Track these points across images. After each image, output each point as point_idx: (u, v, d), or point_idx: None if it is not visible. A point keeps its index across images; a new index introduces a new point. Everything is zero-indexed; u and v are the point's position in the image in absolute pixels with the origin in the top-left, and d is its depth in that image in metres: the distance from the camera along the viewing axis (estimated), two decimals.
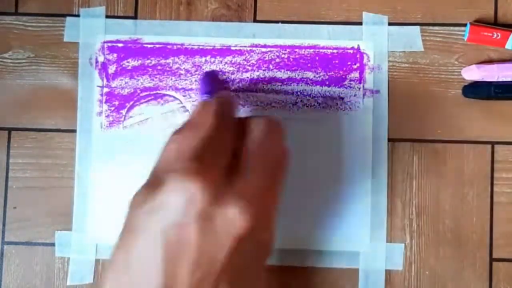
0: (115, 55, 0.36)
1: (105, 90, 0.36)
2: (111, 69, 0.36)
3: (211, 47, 0.36)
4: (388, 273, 0.35)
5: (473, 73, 0.35)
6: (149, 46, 0.36)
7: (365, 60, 0.36)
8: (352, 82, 0.36)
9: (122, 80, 0.36)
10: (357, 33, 0.36)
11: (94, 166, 0.36)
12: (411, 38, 0.36)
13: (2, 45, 0.36)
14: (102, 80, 0.36)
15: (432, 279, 0.35)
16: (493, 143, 0.36)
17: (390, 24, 0.36)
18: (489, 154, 0.36)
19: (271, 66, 0.36)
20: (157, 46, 0.36)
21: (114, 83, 0.36)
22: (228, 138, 0.28)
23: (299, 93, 0.36)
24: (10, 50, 0.36)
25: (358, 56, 0.36)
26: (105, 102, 0.36)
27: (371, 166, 0.35)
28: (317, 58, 0.36)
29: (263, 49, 0.36)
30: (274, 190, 0.28)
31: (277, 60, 0.36)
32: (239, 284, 0.27)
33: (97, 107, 0.36)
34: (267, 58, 0.36)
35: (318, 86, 0.36)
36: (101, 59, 0.36)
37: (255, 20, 0.36)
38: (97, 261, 0.35)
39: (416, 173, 0.36)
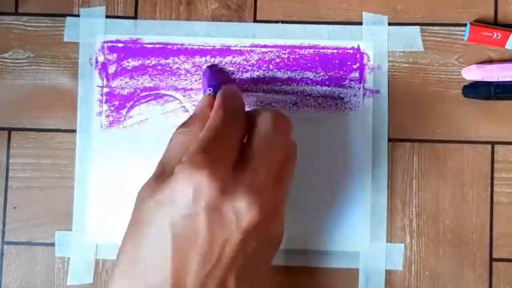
0: (115, 55, 0.36)
1: (105, 90, 0.36)
2: (111, 69, 0.36)
3: (211, 47, 0.36)
4: (388, 273, 0.35)
5: (473, 73, 0.35)
6: (149, 46, 0.36)
7: (365, 60, 0.36)
8: (352, 82, 0.36)
9: (122, 80, 0.36)
10: (357, 33, 0.36)
11: (94, 166, 0.36)
12: (411, 38, 0.36)
13: (2, 45, 0.36)
14: (102, 80, 0.36)
15: (432, 279, 0.35)
16: (493, 143, 0.36)
17: (390, 24, 0.36)
18: (489, 154, 0.36)
19: (271, 66, 0.36)
20: (157, 46, 0.36)
21: (114, 83, 0.36)
22: (235, 131, 0.28)
23: (299, 93, 0.36)
24: (10, 50, 0.36)
25: (358, 56, 0.36)
26: (105, 102, 0.36)
27: (371, 166, 0.35)
28: (317, 58, 0.36)
29: (263, 49, 0.36)
30: (281, 184, 0.28)
31: (277, 60, 0.36)
32: (247, 278, 0.27)
33: (97, 107, 0.36)
34: (267, 58, 0.36)
35: (318, 86, 0.36)
36: (101, 59, 0.36)
37: (255, 20, 0.36)
38: (97, 261, 0.35)
39: (416, 173, 0.36)
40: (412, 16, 0.36)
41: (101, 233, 0.35)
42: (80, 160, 0.36)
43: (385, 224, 0.35)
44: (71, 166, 0.36)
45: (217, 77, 0.35)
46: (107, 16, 0.36)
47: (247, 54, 0.36)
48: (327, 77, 0.36)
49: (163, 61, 0.36)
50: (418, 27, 0.36)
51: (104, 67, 0.36)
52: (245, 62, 0.36)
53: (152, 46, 0.36)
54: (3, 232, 0.36)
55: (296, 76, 0.36)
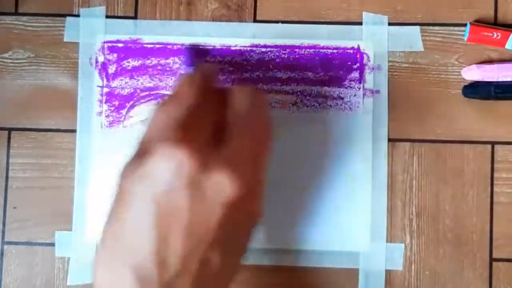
0: (115, 55, 0.36)
1: (105, 90, 0.36)
2: (111, 69, 0.36)
3: (211, 47, 0.36)
4: (388, 273, 0.35)
5: (473, 73, 0.35)
6: (149, 46, 0.36)
7: (365, 60, 0.36)
8: (352, 82, 0.36)
9: (122, 80, 0.36)
10: (357, 33, 0.36)
11: (94, 166, 0.36)
12: (411, 38, 0.36)
13: (2, 45, 0.36)
14: (102, 80, 0.36)
15: (432, 279, 0.35)
16: (493, 143, 0.36)
17: (390, 24, 0.36)
18: (489, 154, 0.36)
19: (271, 66, 0.36)
20: (157, 46, 0.36)
21: (114, 83, 0.36)
22: (211, 107, 0.29)
23: (299, 93, 0.36)
24: (10, 50, 0.36)
25: (358, 56, 0.36)
26: (105, 102, 0.36)
27: (371, 166, 0.35)
28: (317, 58, 0.36)
29: (263, 49, 0.36)
30: (260, 160, 0.28)
31: (277, 60, 0.36)
32: (228, 251, 0.27)
33: (97, 107, 0.36)
34: (267, 58, 0.36)
35: (318, 86, 0.36)
36: (101, 59, 0.36)
37: (255, 20, 0.36)
38: None
39: (416, 173, 0.36)
40: (412, 16, 0.36)
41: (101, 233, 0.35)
42: (80, 160, 0.36)
43: (385, 224, 0.35)
44: (71, 166, 0.36)
45: (195, 57, 0.35)
46: (107, 16, 0.36)
47: (247, 54, 0.36)
48: (327, 77, 0.36)
49: (163, 61, 0.36)
50: (418, 27, 0.36)
51: (104, 67, 0.36)
52: (245, 62, 0.36)
53: (152, 46, 0.36)
54: (3, 232, 0.36)
55: (296, 76, 0.36)
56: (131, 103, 0.36)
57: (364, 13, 0.36)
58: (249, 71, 0.36)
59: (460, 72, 0.36)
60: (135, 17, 0.37)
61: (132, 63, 0.36)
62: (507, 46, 0.35)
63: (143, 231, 0.25)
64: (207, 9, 0.36)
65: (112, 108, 0.36)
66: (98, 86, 0.36)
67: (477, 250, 0.35)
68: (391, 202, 0.35)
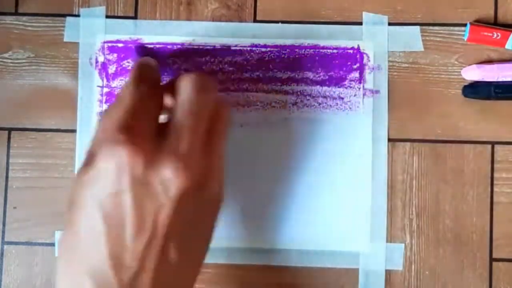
0: (115, 55, 0.36)
1: (105, 90, 0.36)
2: (111, 69, 0.36)
3: (211, 47, 0.36)
4: (388, 273, 0.35)
5: (473, 73, 0.35)
6: (149, 46, 0.36)
7: (365, 60, 0.36)
8: (352, 82, 0.36)
9: (122, 80, 0.36)
10: (357, 33, 0.36)
11: None
12: (411, 38, 0.36)
13: (2, 45, 0.36)
14: (102, 80, 0.36)
15: (432, 279, 0.35)
16: (493, 143, 0.36)
17: (390, 24, 0.36)
18: (489, 154, 0.36)
19: (271, 66, 0.36)
20: (157, 46, 0.36)
21: (114, 83, 0.36)
22: (153, 101, 0.28)
23: (299, 93, 0.36)
24: (10, 50, 0.36)
25: (358, 56, 0.36)
26: (105, 102, 0.36)
27: (371, 166, 0.35)
28: (317, 58, 0.36)
29: (263, 49, 0.36)
30: (212, 146, 0.28)
31: (277, 60, 0.36)
32: (187, 244, 0.27)
33: (97, 107, 0.36)
34: (267, 58, 0.36)
35: (318, 86, 0.36)
36: (101, 59, 0.36)
37: (255, 20, 0.36)
38: None
39: (416, 173, 0.36)
40: (412, 16, 0.36)
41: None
42: (80, 160, 0.36)
43: (385, 224, 0.35)
44: (71, 166, 0.36)
45: (138, 55, 0.35)
46: (107, 16, 0.36)
47: (247, 54, 0.36)
48: (327, 77, 0.36)
49: (163, 61, 0.36)
50: (418, 27, 0.36)
51: (104, 67, 0.36)
52: (245, 62, 0.36)
53: (152, 46, 0.36)
54: (3, 232, 0.36)
55: (296, 76, 0.36)
56: None
57: (364, 13, 0.36)
58: (249, 71, 0.36)
59: (460, 72, 0.36)
60: (135, 17, 0.37)
61: (132, 63, 0.36)
62: (507, 46, 0.35)
63: (95, 236, 0.25)
64: (207, 9, 0.36)
65: None
66: (98, 86, 0.36)
67: (477, 250, 0.35)
68: (391, 202, 0.35)
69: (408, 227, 0.35)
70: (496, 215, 0.35)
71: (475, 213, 0.35)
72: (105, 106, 0.36)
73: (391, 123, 0.36)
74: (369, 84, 0.36)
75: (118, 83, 0.36)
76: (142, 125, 0.27)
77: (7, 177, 0.36)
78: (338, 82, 0.36)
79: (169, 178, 0.25)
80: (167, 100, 0.30)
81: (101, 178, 0.26)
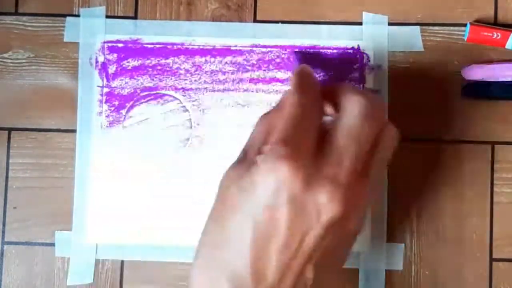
0: (115, 55, 0.36)
1: (105, 90, 0.36)
2: (111, 69, 0.36)
3: (211, 47, 0.36)
4: (388, 273, 0.35)
5: (473, 73, 0.35)
6: (149, 46, 0.36)
7: (365, 60, 0.36)
8: (352, 82, 0.36)
9: (122, 80, 0.36)
10: (357, 33, 0.36)
11: (94, 166, 0.36)
12: (411, 38, 0.36)
13: (2, 45, 0.36)
14: (102, 80, 0.36)
15: (432, 279, 0.35)
16: (493, 143, 0.36)
17: (390, 24, 0.36)
18: (489, 154, 0.36)
19: (271, 66, 0.36)
20: (157, 46, 0.36)
21: (114, 83, 0.36)
22: (313, 116, 0.28)
23: None
24: (10, 50, 0.36)
25: (358, 56, 0.36)
26: (105, 102, 0.36)
27: None
28: (317, 58, 0.36)
29: (263, 49, 0.36)
30: (365, 178, 0.27)
31: (277, 60, 0.36)
32: (323, 267, 0.27)
33: (97, 107, 0.36)
34: (267, 58, 0.36)
35: None
36: (101, 59, 0.36)
37: (255, 20, 0.36)
38: (97, 261, 0.35)
39: (416, 174, 0.36)
40: (412, 16, 0.36)
41: (101, 233, 0.35)
42: (80, 160, 0.36)
43: (385, 224, 0.35)
44: (71, 166, 0.36)
45: (303, 62, 0.35)
46: (107, 16, 0.36)
47: (247, 54, 0.36)
48: (327, 77, 0.36)
49: (163, 61, 0.36)
50: (418, 27, 0.36)
51: (104, 67, 0.36)
52: (245, 62, 0.36)
53: (152, 46, 0.36)
54: (3, 232, 0.36)
55: None
56: (131, 103, 0.36)
57: (364, 13, 0.36)
58: (249, 71, 0.36)
59: (460, 72, 0.36)
60: (135, 17, 0.37)
61: (132, 63, 0.36)
62: (507, 46, 0.35)
63: (242, 243, 0.26)
64: (207, 9, 0.36)
65: (112, 108, 0.36)
66: (98, 86, 0.36)
67: (477, 250, 0.35)
68: (391, 202, 0.35)
69: (408, 227, 0.35)
70: (496, 215, 0.35)
71: (475, 213, 0.35)
72: (105, 106, 0.36)
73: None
74: (369, 84, 0.36)
75: (118, 83, 0.36)
76: (305, 140, 0.26)
77: (7, 177, 0.36)
78: (338, 82, 0.36)
79: (323, 203, 0.25)
80: (328, 109, 0.29)
81: (258, 188, 0.26)
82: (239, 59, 0.36)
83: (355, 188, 0.26)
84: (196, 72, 0.36)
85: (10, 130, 0.36)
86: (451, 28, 0.36)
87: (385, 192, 0.35)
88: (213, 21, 0.36)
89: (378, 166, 0.28)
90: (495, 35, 0.35)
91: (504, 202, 0.35)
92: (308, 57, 0.36)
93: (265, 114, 0.29)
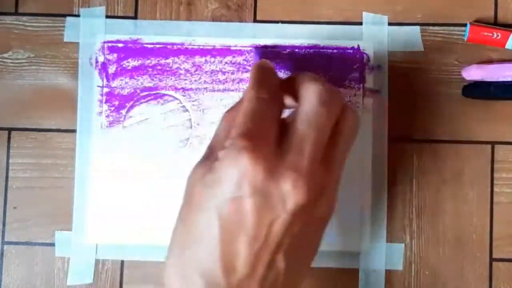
0: (115, 55, 0.36)
1: (105, 90, 0.36)
2: (111, 69, 0.36)
3: (211, 47, 0.36)
4: (388, 273, 0.35)
5: (473, 73, 0.35)
6: (149, 46, 0.36)
7: (365, 60, 0.36)
8: (352, 82, 0.36)
9: (122, 80, 0.36)
10: (357, 33, 0.36)
11: (94, 166, 0.36)
12: (411, 38, 0.36)
13: (2, 45, 0.36)
14: (102, 80, 0.36)
15: (432, 279, 0.35)
16: (493, 143, 0.36)
17: (390, 24, 0.36)
18: (489, 154, 0.36)
19: None
20: (157, 46, 0.36)
21: (114, 83, 0.36)
22: (273, 108, 0.28)
23: None
24: (10, 50, 0.36)
25: (358, 56, 0.36)
26: (105, 102, 0.36)
27: (371, 166, 0.35)
28: (317, 58, 0.36)
29: (263, 49, 0.36)
30: (329, 164, 0.28)
31: (277, 60, 0.36)
32: (295, 255, 0.27)
33: (97, 107, 0.36)
34: (267, 58, 0.36)
35: None
36: (101, 59, 0.36)
37: (255, 20, 0.36)
38: (97, 261, 0.35)
39: (416, 173, 0.36)
40: (412, 16, 0.36)
41: (101, 233, 0.35)
42: (80, 160, 0.36)
43: (385, 224, 0.35)
44: (71, 166, 0.36)
45: (261, 57, 0.35)
46: (107, 16, 0.36)
47: (247, 54, 0.36)
48: (327, 77, 0.36)
49: (163, 61, 0.36)
50: (418, 27, 0.36)
51: (104, 67, 0.36)
52: (245, 62, 0.36)
53: (152, 46, 0.36)
54: (3, 232, 0.36)
55: None
56: (131, 103, 0.36)
57: (364, 13, 0.36)
58: (249, 71, 0.36)
59: (460, 72, 0.36)
60: (135, 17, 0.37)
61: (132, 63, 0.36)
62: (507, 46, 0.35)
63: (210, 238, 0.26)
64: (207, 9, 0.36)
65: (112, 108, 0.36)
66: (98, 86, 0.36)
67: (477, 250, 0.35)
68: (391, 202, 0.35)
69: (408, 227, 0.35)
70: (496, 215, 0.35)
71: (475, 213, 0.35)
72: (105, 106, 0.36)
73: (391, 123, 0.36)
74: (369, 84, 0.36)
75: (118, 83, 0.36)
76: (265, 132, 0.27)
77: (7, 177, 0.36)
78: (338, 82, 0.36)
79: (287, 191, 0.26)
80: (287, 100, 0.29)
81: (222, 182, 0.26)
82: (239, 59, 0.36)
83: (318, 174, 0.27)
84: (196, 72, 0.36)
85: (10, 130, 0.36)
86: (451, 28, 0.36)
87: (385, 192, 0.35)
88: (213, 21, 0.36)
89: (342, 151, 0.29)
90: (495, 35, 0.35)
91: (504, 202, 0.35)
92: (269, 52, 0.36)
93: (227, 110, 0.29)
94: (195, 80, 0.36)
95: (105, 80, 0.36)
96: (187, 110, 0.36)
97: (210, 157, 0.28)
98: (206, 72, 0.36)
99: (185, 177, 0.28)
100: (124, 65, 0.36)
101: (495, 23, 0.36)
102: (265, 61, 0.31)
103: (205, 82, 0.36)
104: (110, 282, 0.35)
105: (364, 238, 0.35)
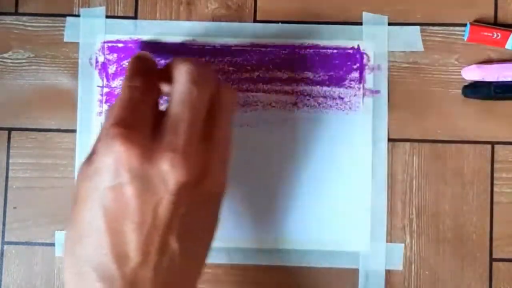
0: (115, 55, 0.36)
1: (105, 90, 0.36)
2: (111, 69, 0.36)
3: (211, 47, 0.36)
4: (388, 273, 0.35)
5: (473, 73, 0.35)
6: (150, 42, 0.36)
7: (365, 60, 0.36)
8: (352, 82, 0.36)
9: (122, 80, 0.36)
10: (357, 33, 0.36)
11: None
12: (411, 38, 0.36)
13: (2, 45, 0.36)
14: (102, 80, 0.36)
15: (432, 279, 0.35)
16: (493, 143, 0.36)
17: (390, 24, 0.36)
18: (489, 154, 0.36)
19: (271, 66, 0.36)
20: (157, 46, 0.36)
21: (114, 83, 0.36)
22: (147, 93, 0.28)
23: (299, 93, 0.36)
24: (10, 50, 0.36)
25: (358, 56, 0.36)
26: (105, 102, 0.36)
27: (371, 166, 0.35)
28: (317, 58, 0.36)
29: (263, 49, 0.36)
30: (211, 139, 0.28)
31: (277, 60, 0.36)
32: (188, 236, 0.27)
33: (97, 107, 0.36)
34: (267, 58, 0.36)
35: (318, 86, 0.36)
36: (101, 59, 0.36)
37: (255, 20, 0.36)
38: None
39: (416, 173, 0.36)
40: (412, 16, 0.36)
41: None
42: (80, 160, 0.36)
43: (385, 224, 0.35)
44: (71, 166, 0.36)
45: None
46: (107, 16, 0.36)
47: (247, 54, 0.36)
48: (327, 77, 0.36)
49: (163, 61, 0.36)
50: (418, 27, 0.36)
51: (104, 67, 0.36)
52: (245, 62, 0.36)
53: (152, 46, 0.36)
54: (3, 232, 0.36)
55: (296, 76, 0.36)
56: None
57: (364, 13, 0.36)
58: (249, 71, 0.36)
59: (460, 72, 0.36)
60: (135, 17, 0.37)
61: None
62: (507, 46, 0.35)
63: (97, 229, 0.26)
64: (207, 9, 0.36)
65: None
66: (98, 86, 0.36)
67: (477, 250, 0.35)
68: (391, 202, 0.35)
69: (408, 227, 0.35)
70: (496, 215, 0.35)
71: (475, 213, 0.35)
72: (105, 106, 0.36)
73: (391, 123, 0.36)
74: (369, 84, 0.36)
75: (118, 83, 0.36)
76: (138, 119, 0.27)
77: (7, 177, 0.36)
78: (338, 82, 0.36)
79: (166, 171, 0.26)
80: (164, 87, 0.30)
81: (100, 173, 0.26)
82: (239, 59, 0.36)
83: (198, 151, 0.27)
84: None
85: (10, 130, 0.36)
86: (451, 28, 0.36)
87: (385, 192, 0.35)
88: (213, 21, 0.36)
89: (222, 126, 0.29)
90: (495, 35, 0.35)
91: (504, 202, 0.35)
92: (153, 46, 0.36)
93: (109, 107, 0.29)
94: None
95: (105, 80, 0.36)
96: None
97: (90, 154, 0.28)
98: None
99: None
100: (124, 65, 0.36)
101: (495, 23, 0.36)
102: (142, 53, 0.31)
103: None
104: None
105: (364, 238, 0.35)
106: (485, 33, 0.35)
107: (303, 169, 0.35)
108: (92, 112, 0.36)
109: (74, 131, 0.36)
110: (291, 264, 0.35)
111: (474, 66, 0.35)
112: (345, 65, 0.36)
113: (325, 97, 0.36)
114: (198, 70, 0.28)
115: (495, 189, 0.35)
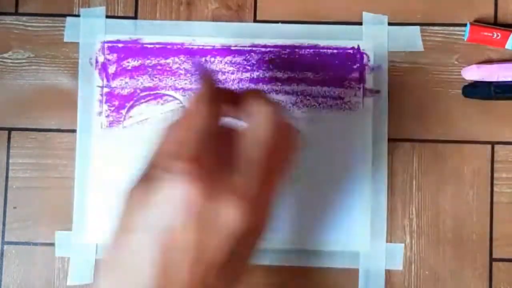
0: (115, 55, 0.36)
1: (105, 90, 0.36)
2: (111, 69, 0.36)
3: (211, 47, 0.36)
4: (388, 273, 0.35)
5: (473, 73, 0.35)
6: (149, 46, 0.36)
7: (365, 60, 0.36)
8: (352, 82, 0.36)
9: (122, 80, 0.36)
10: (357, 33, 0.36)
11: (94, 166, 0.36)
12: (411, 38, 0.36)
13: (2, 45, 0.36)
14: (102, 80, 0.36)
15: (432, 279, 0.35)
16: (493, 143, 0.36)
17: (390, 24, 0.36)
18: (489, 154, 0.36)
19: (271, 66, 0.36)
20: (157, 46, 0.36)
21: (114, 83, 0.36)
22: (214, 120, 0.27)
23: (299, 93, 0.36)
24: (10, 50, 0.36)
25: (358, 56, 0.36)
26: (105, 102, 0.36)
27: (371, 166, 0.35)
28: (317, 58, 0.36)
29: (263, 49, 0.36)
30: (270, 185, 0.27)
31: (277, 60, 0.36)
32: (232, 274, 0.27)
33: (97, 107, 0.36)
34: (267, 58, 0.36)
35: (318, 86, 0.36)
36: (101, 59, 0.36)
37: (255, 20, 0.36)
38: (97, 261, 0.35)
39: (416, 173, 0.36)
40: (412, 16, 0.36)
41: (101, 233, 0.35)
42: (80, 160, 0.36)
43: (385, 224, 0.35)
44: (71, 166, 0.36)
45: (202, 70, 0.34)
46: (107, 16, 0.36)
47: (247, 54, 0.36)
48: (327, 77, 0.36)
49: (163, 61, 0.36)
50: (418, 27, 0.36)
51: (104, 67, 0.36)
52: (245, 62, 0.36)
53: (152, 46, 0.36)
54: (3, 232, 0.36)
55: (296, 76, 0.36)
56: (131, 103, 0.36)
57: (364, 13, 0.36)
58: (249, 71, 0.36)
59: (460, 72, 0.36)
60: (135, 17, 0.37)
61: (132, 63, 0.36)
62: (507, 46, 0.35)
63: (144, 265, 0.25)
64: (207, 9, 0.36)
65: (112, 108, 0.36)
66: (98, 86, 0.36)
67: (477, 250, 0.35)
68: (391, 202, 0.35)
69: (408, 227, 0.35)
70: (496, 215, 0.35)
71: (475, 213, 0.35)
72: (105, 106, 0.36)
73: (391, 123, 0.36)
74: (369, 84, 0.36)
75: (118, 83, 0.36)
76: (209, 152, 0.26)
77: (7, 177, 0.36)
78: (338, 82, 0.36)
79: (229, 217, 0.25)
80: (228, 111, 0.29)
81: (160, 208, 0.25)
82: (239, 59, 0.36)
83: (262, 197, 0.26)
84: (197, 72, 0.36)
85: (10, 130, 0.36)
86: (451, 28, 0.36)
87: (385, 192, 0.35)
88: (213, 21, 0.36)
89: (284, 169, 0.28)
90: (495, 35, 0.35)
91: (504, 202, 0.35)
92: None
93: (171, 124, 0.28)
94: (195, 80, 0.36)
95: (105, 80, 0.36)
96: None
97: (148, 177, 0.26)
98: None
99: None
100: (124, 65, 0.36)
101: (495, 23, 0.36)
102: (207, 72, 0.29)
103: None
104: None
105: (364, 238, 0.35)
106: (485, 33, 0.35)
107: (303, 169, 0.35)
108: (92, 112, 0.36)
109: (74, 131, 0.36)
110: (291, 264, 0.35)
111: (474, 66, 0.35)
112: (345, 65, 0.36)
113: (325, 97, 0.36)
114: (275, 113, 0.27)
115: (495, 189, 0.35)
